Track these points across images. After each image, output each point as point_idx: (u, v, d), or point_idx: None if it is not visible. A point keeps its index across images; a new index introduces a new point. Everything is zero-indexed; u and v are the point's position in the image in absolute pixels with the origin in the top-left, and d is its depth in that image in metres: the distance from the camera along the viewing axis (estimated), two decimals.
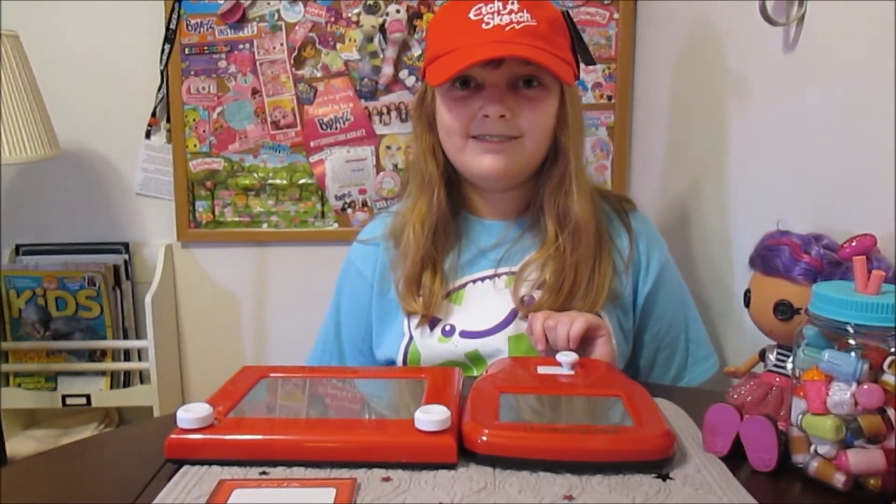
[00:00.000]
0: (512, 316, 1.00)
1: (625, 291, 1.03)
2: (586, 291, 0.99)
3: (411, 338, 1.03)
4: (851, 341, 0.61)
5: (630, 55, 1.69)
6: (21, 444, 1.70)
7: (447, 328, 1.01)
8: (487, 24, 0.94)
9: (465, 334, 1.00)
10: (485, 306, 1.02)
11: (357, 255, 1.12)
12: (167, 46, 1.72)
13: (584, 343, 0.89)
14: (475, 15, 0.95)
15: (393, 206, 1.15)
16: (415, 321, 1.03)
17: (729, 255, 1.16)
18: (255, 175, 1.77)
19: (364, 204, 1.78)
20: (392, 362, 1.05)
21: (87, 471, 0.70)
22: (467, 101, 0.98)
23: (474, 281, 1.04)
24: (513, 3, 0.95)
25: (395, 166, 1.76)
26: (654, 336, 1.06)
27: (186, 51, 1.72)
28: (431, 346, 1.01)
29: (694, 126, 1.33)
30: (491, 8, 0.95)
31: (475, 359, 1.00)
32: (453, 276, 1.04)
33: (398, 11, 1.69)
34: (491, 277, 1.03)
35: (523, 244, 1.04)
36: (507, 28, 0.93)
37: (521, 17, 0.94)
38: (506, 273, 1.03)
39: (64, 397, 1.73)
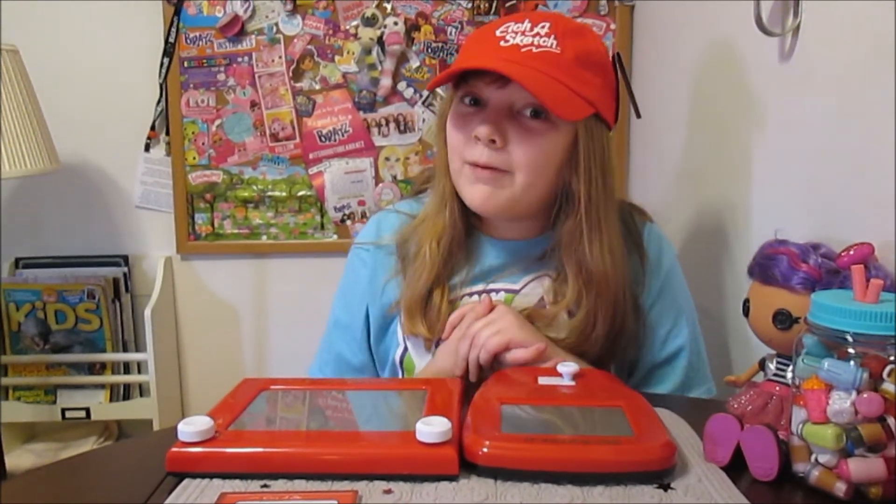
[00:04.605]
0: None
1: (639, 328, 0.99)
2: (603, 342, 0.95)
3: (406, 348, 1.02)
4: (851, 350, 0.61)
5: (627, 65, 1.70)
6: (20, 458, 1.70)
7: (440, 342, 0.98)
8: (507, 41, 0.90)
9: None
10: None
11: (356, 258, 1.08)
12: (166, 60, 1.72)
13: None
14: (500, 32, 0.91)
15: (400, 204, 1.10)
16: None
17: (728, 264, 1.17)
18: (255, 187, 1.78)
19: (363, 215, 1.78)
20: (389, 372, 1.04)
21: (89, 484, 0.69)
22: (470, 118, 0.93)
23: (471, 294, 1.01)
24: (542, 27, 0.90)
25: (394, 178, 1.77)
26: (650, 349, 1.01)
27: (185, 64, 1.73)
28: (425, 356, 1.00)
29: (691, 136, 1.34)
30: (518, 27, 0.91)
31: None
32: (455, 287, 1.01)
33: (396, 24, 1.70)
34: (488, 292, 1.00)
35: (529, 265, 1.00)
36: (524, 49, 0.89)
37: (544, 41, 0.89)
38: (504, 290, 1.00)
39: (63, 410, 1.73)
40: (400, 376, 1.03)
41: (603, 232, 0.93)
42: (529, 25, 0.91)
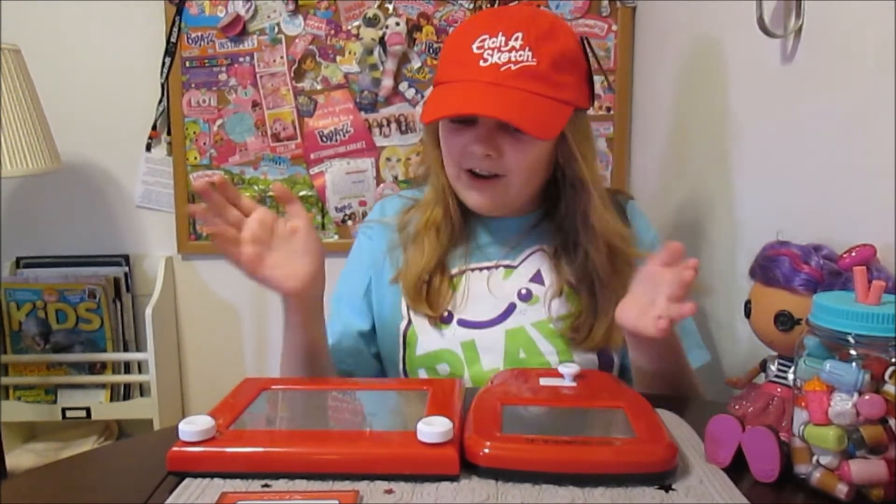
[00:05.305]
0: (510, 309, 1.03)
1: None
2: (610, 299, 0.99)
3: (410, 321, 1.05)
4: (852, 352, 0.61)
5: (629, 66, 1.70)
6: (20, 458, 1.70)
7: (445, 314, 1.04)
8: (486, 60, 0.93)
9: (463, 323, 1.03)
10: (484, 298, 1.04)
11: (361, 235, 1.15)
12: (168, 59, 1.72)
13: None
14: (477, 48, 0.94)
15: (405, 191, 1.18)
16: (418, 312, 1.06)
17: (729, 265, 1.17)
18: (256, 187, 1.78)
19: (364, 216, 1.78)
20: (393, 343, 1.07)
21: (90, 483, 0.69)
22: (460, 132, 0.98)
23: (473, 269, 1.06)
24: (516, 39, 0.93)
25: (395, 178, 1.77)
26: None
27: (187, 64, 1.73)
28: (428, 330, 1.04)
29: (693, 137, 1.34)
30: (493, 42, 0.94)
31: (469, 349, 1.02)
32: (454, 264, 1.06)
33: (398, 24, 1.70)
34: (489, 268, 1.06)
35: (522, 238, 1.06)
36: (503, 68, 0.92)
37: (520, 55, 0.92)
38: (503, 265, 1.06)
39: (64, 410, 1.73)
40: (401, 349, 1.06)
41: (604, 208, 1.01)
42: (504, 40, 0.93)
